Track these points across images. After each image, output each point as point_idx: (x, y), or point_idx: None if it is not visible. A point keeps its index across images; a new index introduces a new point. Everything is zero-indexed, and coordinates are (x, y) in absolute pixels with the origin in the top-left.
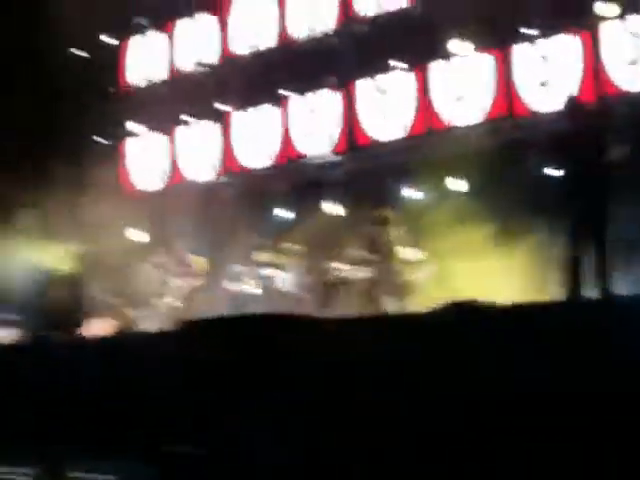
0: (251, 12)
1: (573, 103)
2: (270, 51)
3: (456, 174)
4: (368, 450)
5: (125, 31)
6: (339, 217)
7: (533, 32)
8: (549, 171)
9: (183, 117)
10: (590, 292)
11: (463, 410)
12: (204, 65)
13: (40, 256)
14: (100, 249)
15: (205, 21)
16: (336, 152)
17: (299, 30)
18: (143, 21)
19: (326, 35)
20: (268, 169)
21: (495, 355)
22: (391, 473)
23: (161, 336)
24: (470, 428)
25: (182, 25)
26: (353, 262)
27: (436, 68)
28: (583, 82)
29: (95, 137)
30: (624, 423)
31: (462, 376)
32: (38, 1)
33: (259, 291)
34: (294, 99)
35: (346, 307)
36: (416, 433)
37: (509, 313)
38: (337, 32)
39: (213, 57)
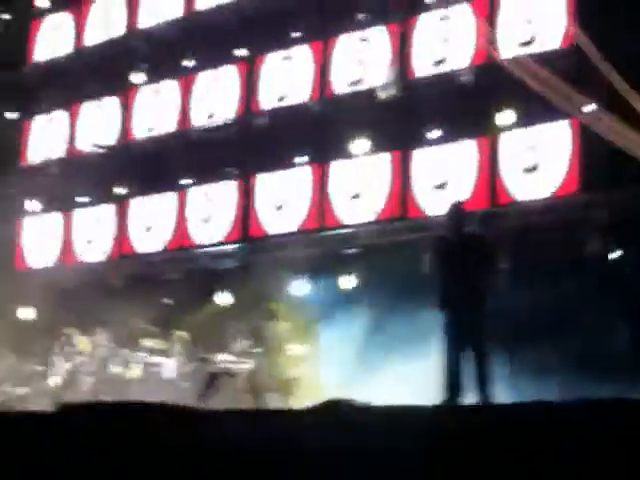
0: (154, 99)
1: (456, 209)
2: (169, 137)
3: (345, 270)
4: None
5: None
6: (228, 307)
7: (434, 135)
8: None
9: (79, 198)
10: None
11: None
12: (102, 147)
13: None
14: None
15: (108, 104)
16: (229, 242)
17: (199, 118)
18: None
19: (226, 125)
20: (160, 255)
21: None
22: None
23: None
24: None
25: (86, 106)
26: (238, 354)
27: (335, 166)
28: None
29: None
30: None
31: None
32: None
33: (142, 376)
34: (192, 188)
35: (228, 399)
36: None
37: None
38: (237, 122)
39: (113, 140)
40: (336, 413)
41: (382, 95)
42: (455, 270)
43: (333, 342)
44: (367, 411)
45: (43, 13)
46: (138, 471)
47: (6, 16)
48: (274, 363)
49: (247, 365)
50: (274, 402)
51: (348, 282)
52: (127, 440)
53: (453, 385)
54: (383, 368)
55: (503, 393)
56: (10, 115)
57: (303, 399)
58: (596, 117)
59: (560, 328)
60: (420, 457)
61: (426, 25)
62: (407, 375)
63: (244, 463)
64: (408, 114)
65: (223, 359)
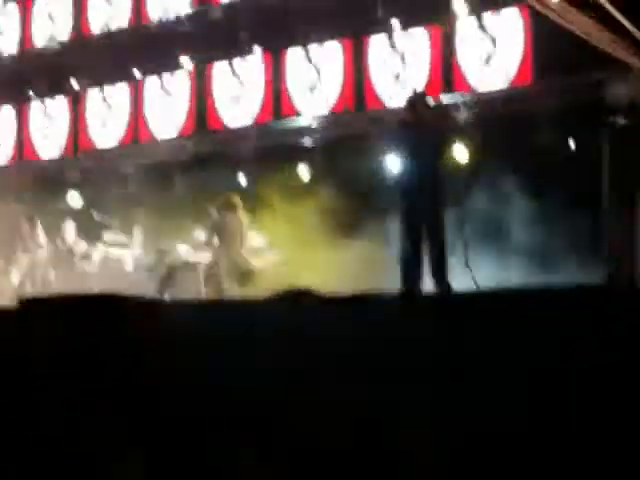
0: None
1: (418, 96)
2: (122, 32)
3: (303, 164)
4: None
5: None
6: (188, 200)
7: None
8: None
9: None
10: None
11: None
12: (56, 42)
13: None
14: None
15: None
16: (184, 135)
17: (153, 13)
18: None
19: (179, 18)
20: (117, 149)
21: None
22: None
23: None
24: None
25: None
26: (196, 246)
27: (291, 55)
28: (432, 76)
29: None
30: None
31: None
32: None
33: (101, 269)
34: (148, 80)
35: (186, 291)
36: None
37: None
38: (191, 16)
39: (65, 35)
40: (294, 301)
41: None
42: (414, 156)
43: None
44: (324, 300)
45: None
46: (105, 365)
47: None
48: (233, 254)
49: (206, 257)
50: (232, 293)
51: (303, 175)
52: (93, 333)
53: (408, 274)
54: (332, 257)
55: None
56: None
57: (262, 291)
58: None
59: (516, 220)
60: (385, 344)
61: None
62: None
63: (203, 353)
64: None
65: (182, 251)
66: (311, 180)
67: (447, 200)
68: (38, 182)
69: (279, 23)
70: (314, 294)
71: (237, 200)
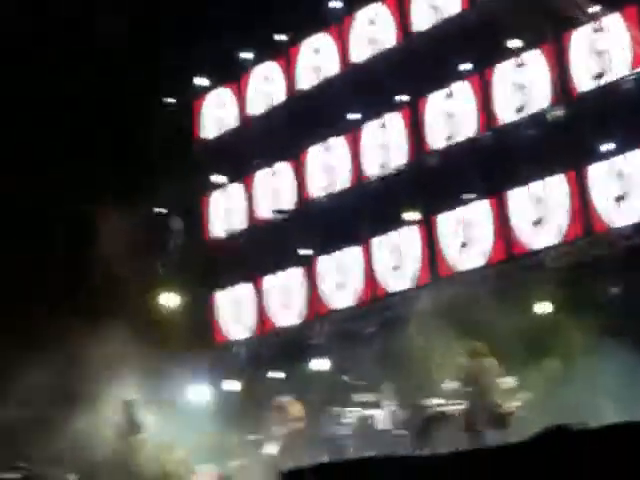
0: (325, 157)
1: None
2: (345, 192)
3: (539, 297)
4: None
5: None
6: (430, 350)
7: (607, 149)
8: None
9: (267, 265)
10: None
11: None
12: (282, 212)
13: None
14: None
15: (282, 170)
16: (418, 286)
17: (372, 169)
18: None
19: (398, 171)
20: (353, 309)
21: None
22: None
23: None
24: None
25: (260, 176)
26: (448, 395)
27: (514, 195)
28: None
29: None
30: None
31: None
32: None
33: (355, 431)
34: (375, 238)
35: (445, 442)
36: None
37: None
38: (409, 166)
39: (291, 203)
40: (559, 441)
41: (549, 117)
42: None
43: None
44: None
45: (204, 91)
46: None
47: (171, 99)
48: (486, 400)
49: (460, 405)
50: (492, 438)
51: (543, 308)
52: None
53: None
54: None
55: None
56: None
57: (521, 430)
58: None
59: None
60: None
61: (580, 41)
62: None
63: None
64: (577, 131)
65: (435, 402)
66: (556, 312)
67: None
68: (280, 350)
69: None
70: (573, 430)
71: (483, 347)
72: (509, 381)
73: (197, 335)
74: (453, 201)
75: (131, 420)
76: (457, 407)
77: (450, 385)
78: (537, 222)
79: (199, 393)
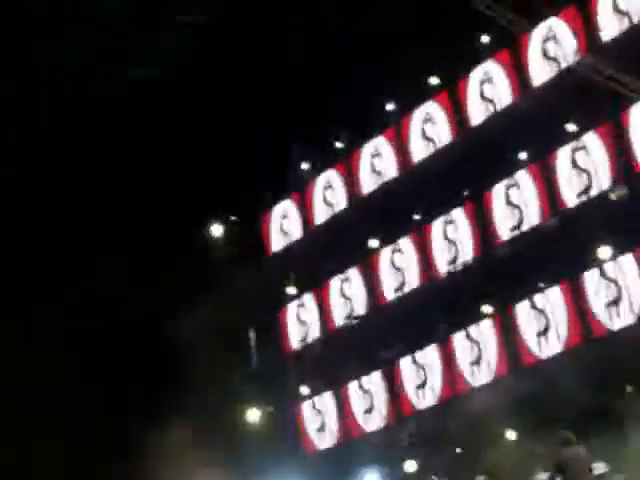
0: (394, 259)
1: None
2: (418, 292)
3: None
4: None
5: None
6: (521, 441)
7: None
8: None
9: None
10: None
11: None
12: (356, 317)
13: None
14: None
15: (351, 275)
16: (499, 376)
17: (442, 265)
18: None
19: (467, 265)
20: (434, 408)
21: None
22: None
23: None
24: None
25: (332, 283)
26: None
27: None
28: None
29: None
30: None
31: None
32: None
33: None
34: (455, 333)
35: None
36: None
37: None
38: (478, 259)
39: (363, 308)
40: None
41: (613, 196)
42: None
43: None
44: None
45: (270, 204)
46: None
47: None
48: None
49: None
50: None
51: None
52: None
53: None
54: None
55: None
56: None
57: None
58: None
59: None
60: None
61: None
62: None
63: None
64: None
65: None
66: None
67: None
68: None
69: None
70: None
71: (572, 435)
72: (600, 467)
73: (284, 446)
74: (526, 290)
75: None
76: None
77: (542, 476)
78: (612, 303)
79: None
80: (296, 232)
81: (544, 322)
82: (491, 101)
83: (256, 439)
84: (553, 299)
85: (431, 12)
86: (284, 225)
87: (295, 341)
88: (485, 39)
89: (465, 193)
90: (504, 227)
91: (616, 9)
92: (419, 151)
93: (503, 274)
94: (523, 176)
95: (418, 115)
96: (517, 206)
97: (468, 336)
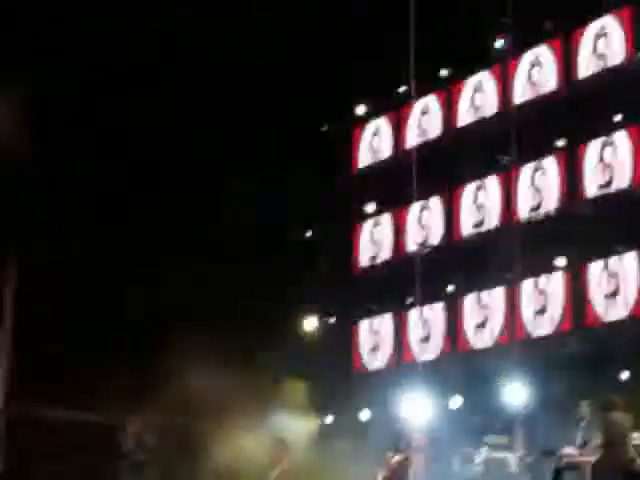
0: (478, 195)
1: None
2: (494, 233)
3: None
4: None
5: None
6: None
7: None
8: None
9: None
10: None
11: None
12: (428, 246)
13: None
14: None
15: (432, 204)
16: (561, 332)
17: (523, 211)
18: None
19: (549, 217)
20: (491, 349)
21: None
22: None
23: None
24: None
25: (411, 209)
26: (581, 447)
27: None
28: None
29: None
30: None
31: None
32: None
33: (484, 473)
34: (525, 281)
35: None
36: None
37: None
38: (560, 213)
39: (438, 238)
40: None
41: None
42: None
43: None
44: None
45: (362, 121)
46: None
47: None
48: (617, 455)
49: (590, 458)
50: None
51: None
52: None
53: None
54: None
55: None
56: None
57: None
58: None
59: None
60: None
61: None
62: None
63: None
64: None
65: (567, 452)
66: None
67: None
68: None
69: None
70: None
71: (617, 399)
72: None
73: (338, 363)
74: (601, 251)
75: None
76: (587, 459)
77: (584, 436)
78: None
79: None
80: (385, 152)
81: (613, 286)
82: (602, 56)
83: (309, 347)
84: (627, 264)
85: None
86: (374, 142)
87: (365, 260)
88: None
89: (559, 143)
90: (592, 184)
91: None
92: (521, 93)
93: (582, 232)
94: (620, 136)
95: (527, 57)
96: (609, 165)
97: (537, 286)
